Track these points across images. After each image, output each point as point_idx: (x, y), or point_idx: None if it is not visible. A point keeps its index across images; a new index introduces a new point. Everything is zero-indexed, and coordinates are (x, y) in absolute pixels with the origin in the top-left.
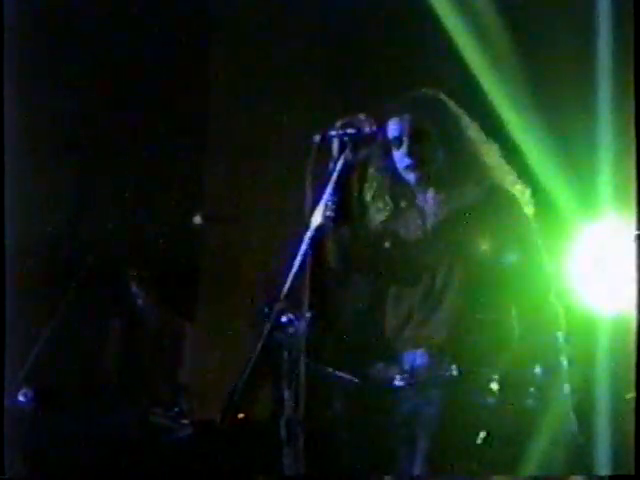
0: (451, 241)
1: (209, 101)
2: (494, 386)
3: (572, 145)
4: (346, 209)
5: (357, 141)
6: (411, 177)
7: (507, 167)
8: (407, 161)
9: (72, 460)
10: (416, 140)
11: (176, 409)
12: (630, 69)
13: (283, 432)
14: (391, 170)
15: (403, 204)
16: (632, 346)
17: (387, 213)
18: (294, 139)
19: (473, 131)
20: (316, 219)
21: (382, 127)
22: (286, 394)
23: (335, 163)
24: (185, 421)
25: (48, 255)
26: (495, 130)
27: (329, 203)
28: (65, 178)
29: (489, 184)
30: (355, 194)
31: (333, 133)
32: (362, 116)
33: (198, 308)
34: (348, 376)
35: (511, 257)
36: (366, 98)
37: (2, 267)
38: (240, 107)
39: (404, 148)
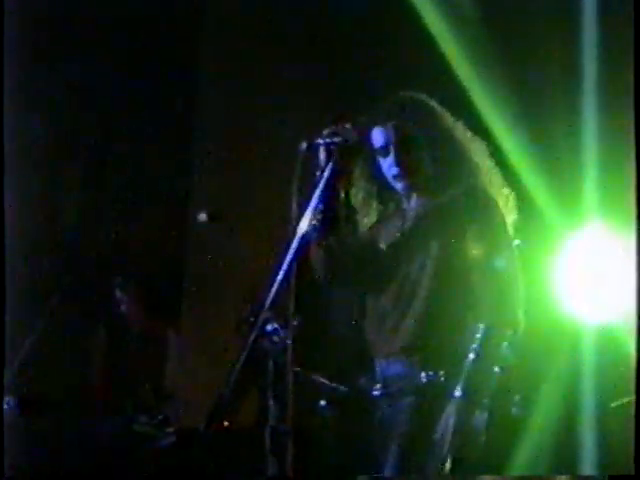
0: (422, 244)
1: (197, 107)
2: (457, 393)
3: (557, 152)
4: (332, 218)
5: (343, 150)
6: (399, 186)
7: (494, 169)
8: (395, 170)
9: (55, 468)
10: (403, 149)
11: (160, 417)
12: (618, 72)
13: (268, 441)
14: (378, 177)
15: (391, 210)
16: (620, 354)
17: (374, 219)
18: (282, 146)
19: (459, 131)
20: (302, 228)
21: (366, 135)
22: (271, 403)
23: (322, 172)
24: (169, 429)
25: (31, 261)
26: (480, 135)
27: (315, 212)
28: (51, 185)
29: (470, 185)
30: (342, 203)
31: (320, 142)
32: (348, 125)
33: (182, 315)
34: (334, 385)
35: (483, 262)
36: (355, 104)
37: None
38: (228, 113)
39: (391, 157)
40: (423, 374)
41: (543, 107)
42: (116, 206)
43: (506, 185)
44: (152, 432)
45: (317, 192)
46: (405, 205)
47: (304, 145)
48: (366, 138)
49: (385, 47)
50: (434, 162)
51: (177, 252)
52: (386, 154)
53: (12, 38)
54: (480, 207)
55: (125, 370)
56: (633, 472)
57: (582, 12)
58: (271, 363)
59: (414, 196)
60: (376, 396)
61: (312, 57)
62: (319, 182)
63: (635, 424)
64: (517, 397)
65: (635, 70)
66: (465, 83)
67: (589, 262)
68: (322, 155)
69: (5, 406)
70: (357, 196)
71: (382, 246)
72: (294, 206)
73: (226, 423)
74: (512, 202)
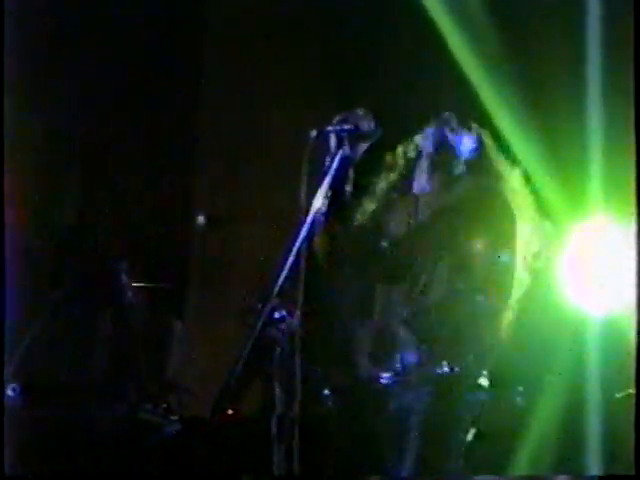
0: (437, 236)
1: (203, 96)
2: (484, 382)
3: (563, 146)
4: (341, 205)
5: (354, 137)
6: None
7: (514, 170)
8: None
9: (60, 455)
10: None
11: (165, 405)
12: (623, 69)
13: (274, 429)
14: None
15: (395, 195)
16: (624, 345)
17: (378, 204)
18: (290, 135)
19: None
20: (310, 215)
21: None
22: (278, 391)
23: (332, 159)
24: (174, 417)
25: (36, 248)
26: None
27: (324, 199)
28: (58, 173)
29: (486, 181)
30: (350, 191)
31: (330, 129)
32: (360, 111)
33: (187, 303)
34: (338, 373)
35: (498, 255)
36: (363, 94)
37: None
38: (235, 103)
39: (426, 164)
40: (445, 363)
41: (548, 101)
42: (126, 195)
43: (525, 187)
44: (156, 420)
45: (327, 179)
46: (415, 189)
47: (314, 133)
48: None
49: (391, 43)
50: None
51: (184, 241)
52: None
53: (13, 37)
54: (496, 203)
55: (130, 358)
56: (633, 472)
57: (588, 10)
58: (278, 351)
59: (424, 181)
60: (387, 384)
61: (323, 50)
62: (329, 169)
63: (635, 424)
64: (520, 388)
65: (635, 67)
66: (472, 80)
67: (593, 254)
68: (332, 142)
69: (10, 392)
70: (366, 181)
71: (392, 233)
72: (302, 194)
73: (230, 411)
74: (530, 204)
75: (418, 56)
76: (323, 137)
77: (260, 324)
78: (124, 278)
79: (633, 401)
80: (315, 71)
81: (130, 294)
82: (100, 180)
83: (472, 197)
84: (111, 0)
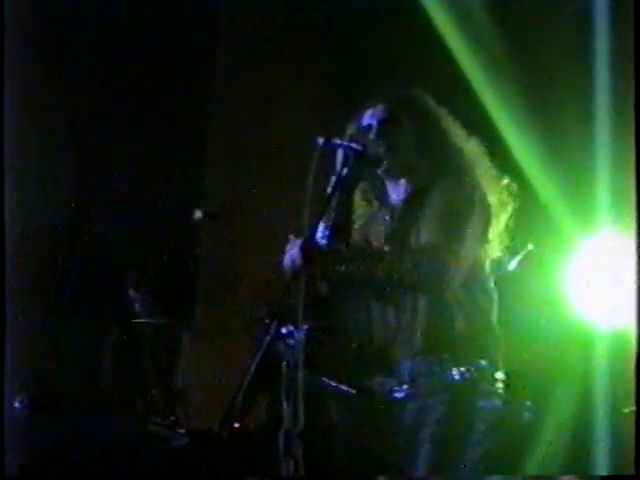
0: (417, 237)
1: (210, 100)
2: (499, 386)
3: (570, 157)
4: (344, 226)
5: (360, 159)
6: (380, 170)
7: (490, 170)
8: (374, 150)
9: (67, 468)
10: (386, 128)
11: (172, 418)
12: (629, 73)
13: (281, 443)
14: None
15: (375, 207)
16: (630, 358)
17: (364, 219)
18: (296, 142)
19: (451, 126)
20: (313, 235)
21: (359, 122)
22: (285, 405)
23: (338, 176)
24: (181, 430)
25: (46, 259)
26: (492, 144)
27: (328, 219)
28: (63, 179)
29: (464, 182)
30: (352, 212)
31: (337, 142)
32: (372, 135)
33: (195, 316)
34: (345, 388)
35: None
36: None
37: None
38: (241, 107)
39: (373, 133)
40: (455, 371)
41: (556, 114)
42: (133, 206)
43: (504, 177)
44: (164, 432)
45: (331, 197)
46: (391, 199)
47: (321, 140)
48: (358, 124)
49: (397, 47)
50: (420, 149)
51: (191, 253)
52: (369, 132)
53: (14, 37)
54: (476, 205)
55: (138, 371)
56: (633, 472)
57: (594, 11)
58: (285, 365)
59: (399, 186)
60: (399, 398)
61: (330, 55)
62: (333, 188)
63: (635, 423)
64: (529, 402)
65: (635, 73)
66: (478, 89)
67: (602, 267)
68: (339, 157)
69: (18, 405)
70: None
71: (374, 246)
72: (308, 206)
73: (237, 425)
74: (509, 202)
75: (422, 62)
76: (330, 148)
77: (268, 339)
78: (131, 291)
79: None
80: (324, 73)
81: (137, 307)
82: (110, 191)
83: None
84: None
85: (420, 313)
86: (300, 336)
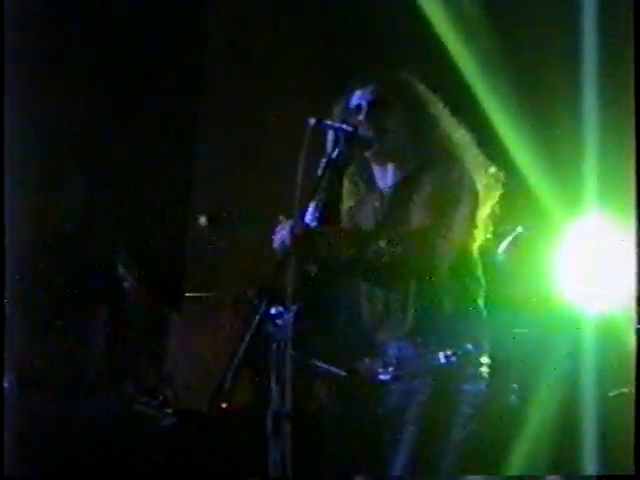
0: (407, 224)
1: (202, 90)
2: (485, 370)
3: (559, 144)
4: (333, 208)
5: (351, 139)
6: (369, 153)
7: (478, 156)
8: (363, 131)
9: (55, 448)
10: (376, 109)
11: (160, 398)
12: (621, 68)
13: (269, 424)
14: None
15: (363, 191)
16: (618, 342)
17: (352, 203)
18: (285, 124)
19: (441, 112)
20: (303, 216)
21: (347, 102)
22: (273, 387)
23: (328, 157)
24: (169, 410)
25: (33, 239)
26: (481, 129)
27: (317, 201)
28: (56, 170)
29: (453, 167)
30: (341, 194)
31: (328, 122)
32: (361, 116)
33: (184, 296)
34: (335, 369)
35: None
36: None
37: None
38: (233, 97)
39: (362, 114)
40: (441, 354)
41: (544, 100)
42: (124, 187)
43: (492, 165)
44: (152, 413)
45: (321, 179)
46: (379, 183)
47: (313, 120)
48: (346, 104)
49: (387, 31)
50: (409, 134)
51: (181, 234)
52: (359, 113)
53: (15, 36)
54: (465, 191)
55: (126, 350)
56: (633, 472)
57: (585, 9)
58: (274, 346)
59: (388, 172)
60: (384, 380)
61: (322, 41)
62: (324, 169)
63: (635, 424)
64: (515, 385)
65: (635, 65)
66: (467, 77)
67: (589, 252)
68: (330, 138)
69: (5, 385)
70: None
71: (364, 229)
72: (299, 187)
73: (224, 405)
74: (496, 188)
75: (413, 48)
76: (321, 128)
77: (257, 319)
78: (121, 270)
79: (627, 400)
80: (315, 58)
81: (126, 286)
82: (98, 175)
83: (429, 175)
84: None
85: (408, 296)
86: (289, 317)
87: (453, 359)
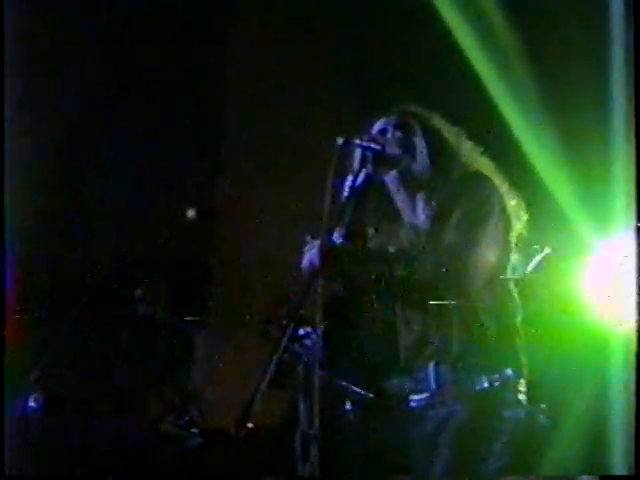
0: (448, 253)
1: (226, 100)
2: (522, 397)
3: (587, 162)
4: (359, 228)
5: (379, 159)
6: (392, 174)
7: (502, 174)
8: (390, 149)
9: (81, 467)
10: (401, 128)
11: (186, 418)
12: None
13: (297, 445)
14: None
15: (392, 212)
16: None
17: (382, 224)
18: (314, 142)
19: (462, 142)
20: (330, 234)
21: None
22: (301, 407)
23: (355, 176)
24: (195, 430)
25: (54, 262)
26: (509, 151)
27: (343, 220)
28: (67, 181)
29: (483, 187)
30: (367, 214)
31: (357, 142)
32: (390, 135)
33: (211, 315)
34: (362, 391)
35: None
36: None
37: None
38: (258, 106)
39: (390, 134)
40: (484, 379)
41: (572, 117)
42: (143, 205)
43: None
44: (179, 432)
45: (347, 199)
46: (410, 215)
47: (341, 140)
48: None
49: (410, 49)
50: (432, 156)
51: (204, 252)
52: (384, 135)
53: (16, 36)
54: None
55: (151, 371)
56: (633, 472)
57: (610, 9)
58: (302, 367)
59: (418, 203)
60: (420, 404)
61: (349, 56)
62: (351, 188)
63: (635, 424)
64: (543, 405)
65: (636, 74)
66: (495, 96)
67: (617, 269)
68: (357, 158)
69: (32, 404)
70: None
71: (393, 249)
72: (327, 206)
73: (250, 425)
74: (522, 211)
75: (437, 66)
76: (349, 148)
77: (285, 340)
78: (139, 289)
79: None
80: (343, 76)
81: (146, 304)
82: (116, 193)
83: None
84: None
85: (452, 320)
86: (317, 337)
87: (494, 384)
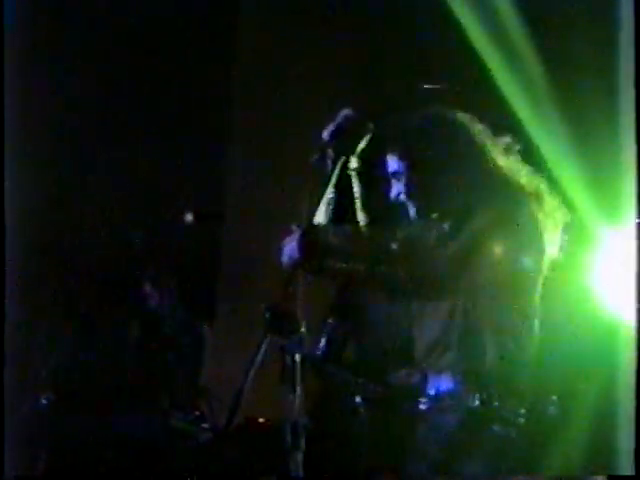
0: (468, 262)
1: (220, 100)
2: (521, 420)
3: (597, 151)
4: (343, 211)
5: (344, 139)
6: (411, 205)
7: (537, 183)
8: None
9: (92, 464)
10: (415, 171)
11: (196, 413)
12: None
13: (289, 436)
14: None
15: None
16: None
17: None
18: (303, 138)
19: (489, 146)
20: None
21: (378, 163)
22: (291, 397)
23: (331, 171)
24: (205, 425)
25: (63, 258)
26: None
27: (329, 206)
28: (74, 177)
29: (506, 209)
30: (355, 197)
31: (329, 152)
32: (346, 111)
33: (217, 310)
34: (370, 384)
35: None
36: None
37: (2, 268)
38: (250, 105)
39: (404, 179)
40: (477, 396)
41: (582, 109)
42: (148, 201)
43: (536, 176)
44: (188, 428)
45: (330, 187)
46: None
47: (315, 157)
48: (379, 165)
49: (420, 48)
50: (459, 185)
51: (211, 247)
52: (399, 179)
53: (16, 36)
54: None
55: (160, 367)
56: (634, 472)
57: (620, 11)
58: (289, 358)
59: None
60: (423, 410)
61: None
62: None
63: (635, 424)
64: (554, 397)
65: (636, 74)
66: (503, 88)
67: (628, 261)
68: (329, 155)
69: (44, 401)
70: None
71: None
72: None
73: (261, 420)
74: (560, 220)
75: (448, 64)
76: (322, 158)
77: (264, 335)
78: (148, 284)
79: None
80: (346, 78)
81: (155, 300)
82: (127, 187)
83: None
84: None
85: (451, 332)
86: (303, 331)
87: (490, 405)
